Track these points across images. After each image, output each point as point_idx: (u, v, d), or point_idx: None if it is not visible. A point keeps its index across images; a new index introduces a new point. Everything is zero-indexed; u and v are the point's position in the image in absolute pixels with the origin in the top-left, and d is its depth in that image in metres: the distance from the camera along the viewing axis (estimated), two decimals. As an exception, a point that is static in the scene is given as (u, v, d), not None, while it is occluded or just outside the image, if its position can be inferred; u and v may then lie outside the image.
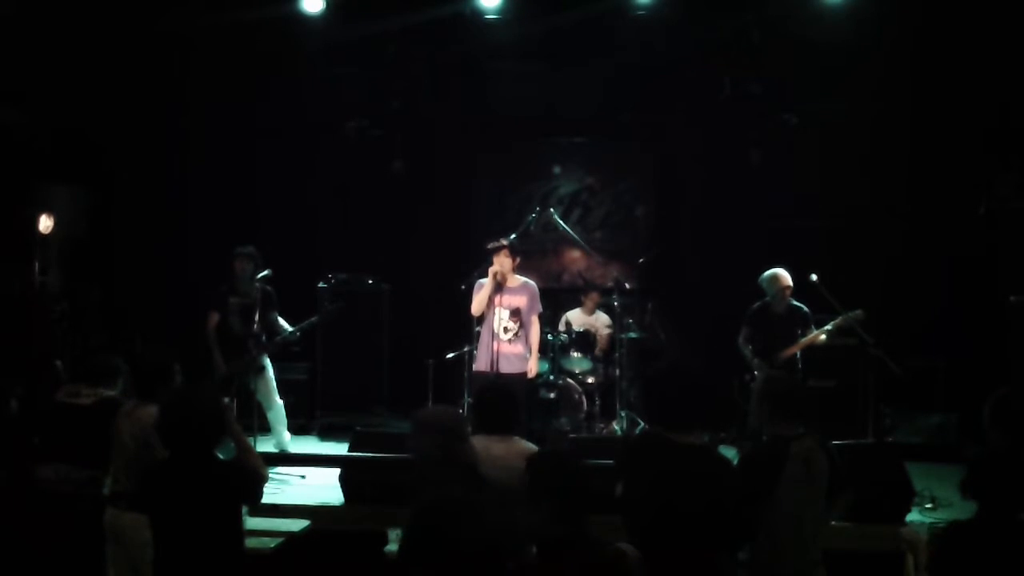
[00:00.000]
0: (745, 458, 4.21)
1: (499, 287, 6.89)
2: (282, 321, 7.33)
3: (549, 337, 8.05)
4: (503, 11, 8.83)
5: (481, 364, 7.00)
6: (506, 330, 6.91)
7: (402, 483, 5.91)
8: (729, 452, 6.55)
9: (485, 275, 6.95)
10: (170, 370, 4.62)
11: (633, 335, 8.54)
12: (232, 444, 4.05)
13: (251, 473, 3.88)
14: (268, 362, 7.31)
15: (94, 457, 4.87)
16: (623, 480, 3.76)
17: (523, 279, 7.13)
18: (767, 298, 7.34)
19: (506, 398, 4.23)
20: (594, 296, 9.03)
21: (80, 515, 4.54)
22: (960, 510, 4.21)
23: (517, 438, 4.12)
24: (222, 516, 3.70)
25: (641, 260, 8.94)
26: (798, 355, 7.28)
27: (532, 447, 4.08)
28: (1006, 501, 3.36)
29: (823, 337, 7.18)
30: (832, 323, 7.15)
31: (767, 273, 7.34)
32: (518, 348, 6.96)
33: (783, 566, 3.90)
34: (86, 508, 4.54)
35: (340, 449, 7.53)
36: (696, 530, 3.54)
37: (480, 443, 3.94)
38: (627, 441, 6.88)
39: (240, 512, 3.86)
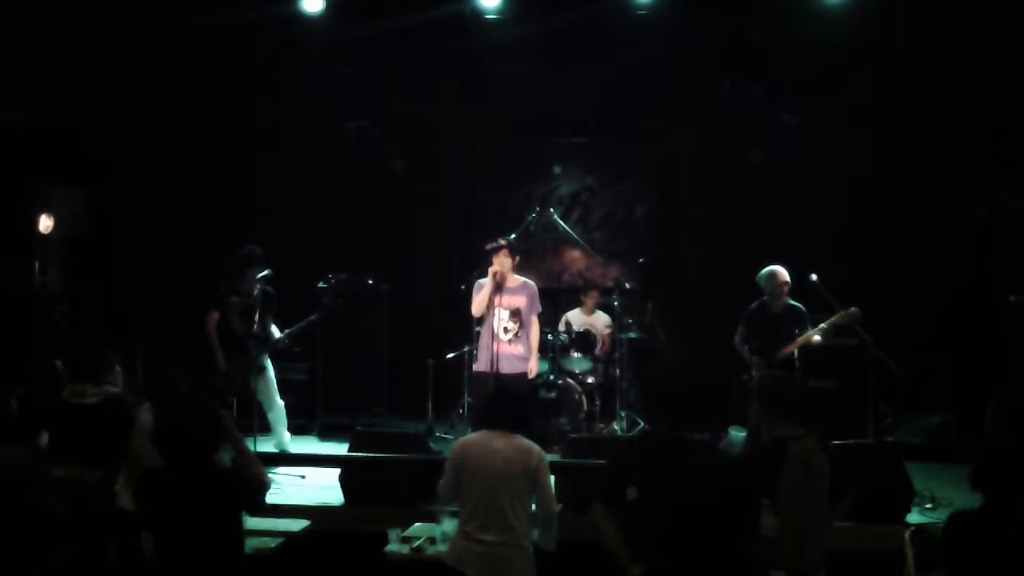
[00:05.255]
0: (744, 458, 4.20)
1: (499, 287, 6.88)
2: (274, 328, 7.30)
3: (549, 337, 8.05)
4: (503, 11, 8.84)
5: (481, 364, 7.00)
6: (506, 330, 6.91)
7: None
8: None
9: (485, 275, 6.95)
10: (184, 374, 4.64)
11: (633, 335, 8.54)
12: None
13: (250, 480, 3.86)
14: (269, 362, 7.30)
15: (103, 456, 4.87)
16: (637, 481, 3.73)
17: (523, 279, 7.13)
18: (765, 296, 7.33)
19: (513, 401, 4.49)
20: (594, 295, 9.02)
21: (89, 515, 4.54)
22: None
23: (520, 436, 4.32)
24: (220, 523, 3.69)
25: (641, 260, 8.93)
26: (795, 354, 7.27)
27: (532, 444, 4.33)
28: (1010, 494, 3.43)
29: (817, 337, 7.16)
30: (828, 321, 7.14)
31: (764, 270, 7.33)
32: (518, 348, 6.96)
33: (784, 567, 3.89)
34: (95, 508, 4.53)
35: (340, 449, 7.52)
36: (713, 525, 3.53)
37: (483, 437, 4.30)
38: (633, 441, 6.85)
39: (240, 519, 3.85)
